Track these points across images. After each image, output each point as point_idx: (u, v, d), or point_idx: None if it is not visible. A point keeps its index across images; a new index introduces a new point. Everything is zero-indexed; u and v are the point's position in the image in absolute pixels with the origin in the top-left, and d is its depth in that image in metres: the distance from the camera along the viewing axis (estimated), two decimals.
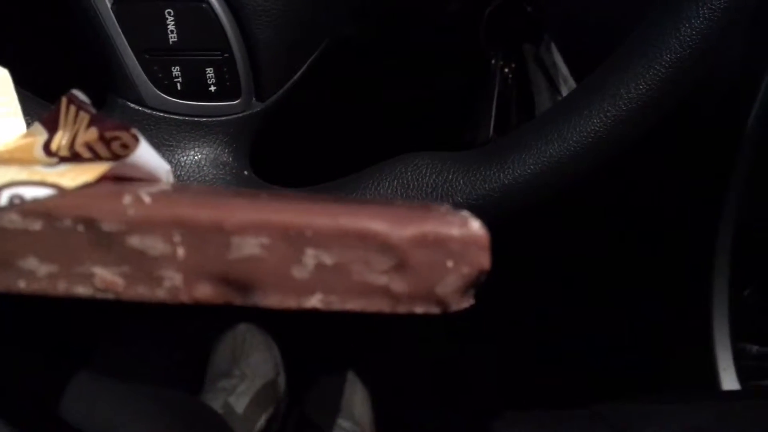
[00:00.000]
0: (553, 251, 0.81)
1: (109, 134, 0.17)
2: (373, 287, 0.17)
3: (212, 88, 0.33)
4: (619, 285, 0.74)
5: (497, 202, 0.32)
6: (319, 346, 0.78)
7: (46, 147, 0.18)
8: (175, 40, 0.32)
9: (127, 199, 0.16)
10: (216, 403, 0.67)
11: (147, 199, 0.16)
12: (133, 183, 0.17)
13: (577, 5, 0.48)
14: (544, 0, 0.50)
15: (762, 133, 0.44)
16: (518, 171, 0.32)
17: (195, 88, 0.33)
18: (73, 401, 0.44)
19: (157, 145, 0.34)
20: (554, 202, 0.33)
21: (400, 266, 0.17)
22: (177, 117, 0.33)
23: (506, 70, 0.49)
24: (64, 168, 0.17)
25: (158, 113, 0.33)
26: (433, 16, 0.53)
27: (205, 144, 0.34)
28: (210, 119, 0.34)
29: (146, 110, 0.33)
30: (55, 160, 0.18)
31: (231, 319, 0.78)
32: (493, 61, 0.50)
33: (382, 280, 0.17)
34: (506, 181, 0.32)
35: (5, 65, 0.27)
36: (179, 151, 0.34)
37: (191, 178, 0.34)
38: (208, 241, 0.16)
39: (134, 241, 0.16)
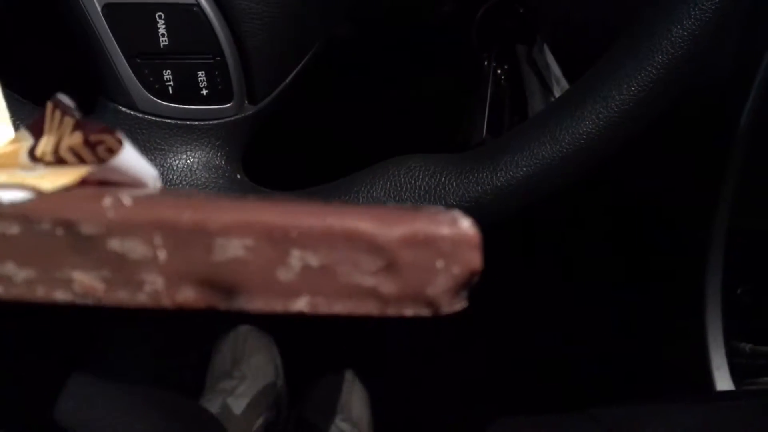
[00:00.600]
0: (544, 253, 0.81)
1: (94, 138, 0.16)
2: (361, 289, 0.16)
3: (204, 92, 0.33)
4: (612, 285, 0.74)
5: (490, 204, 0.32)
6: (318, 347, 0.78)
7: (32, 153, 0.18)
8: (167, 43, 0.32)
9: (107, 201, 0.15)
10: (215, 404, 0.67)
11: (127, 201, 0.15)
12: (116, 187, 0.17)
13: (569, 6, 0.48)
14: (537, 1, 0.50)
15: (754, 132, 0.44)
16: (511, 173, 0.32)
17: (186, 92, 0.33)
18: (70, 404, 0.44)
19: (149, 149, 0.34)
20: (547, 204, 0.33)
21: (389, 267, 0.16)
22: (169, 121, 0.33)
23: (499, 71, 0.49)
24: (44, 171, 0.17)
25: (150, 117, 0.33)
26: (426, 17, 0.53)
27: (197, 147, 0.34)
28: (202, 123, 0.34)
29: (138, 114, 0.33)
30: (39, 165, 0.17)
31: (232, 321, 0.78)
32: (485, 63, 0.50)
33: (370, 281, 0.16)
34: (499, 183, 0.32)
35: None
36: (171, 154, 0.34)
37: (183, 182, 0.34)
38: (190, 244, 0.15)
39: (114, 244, 0.15)
